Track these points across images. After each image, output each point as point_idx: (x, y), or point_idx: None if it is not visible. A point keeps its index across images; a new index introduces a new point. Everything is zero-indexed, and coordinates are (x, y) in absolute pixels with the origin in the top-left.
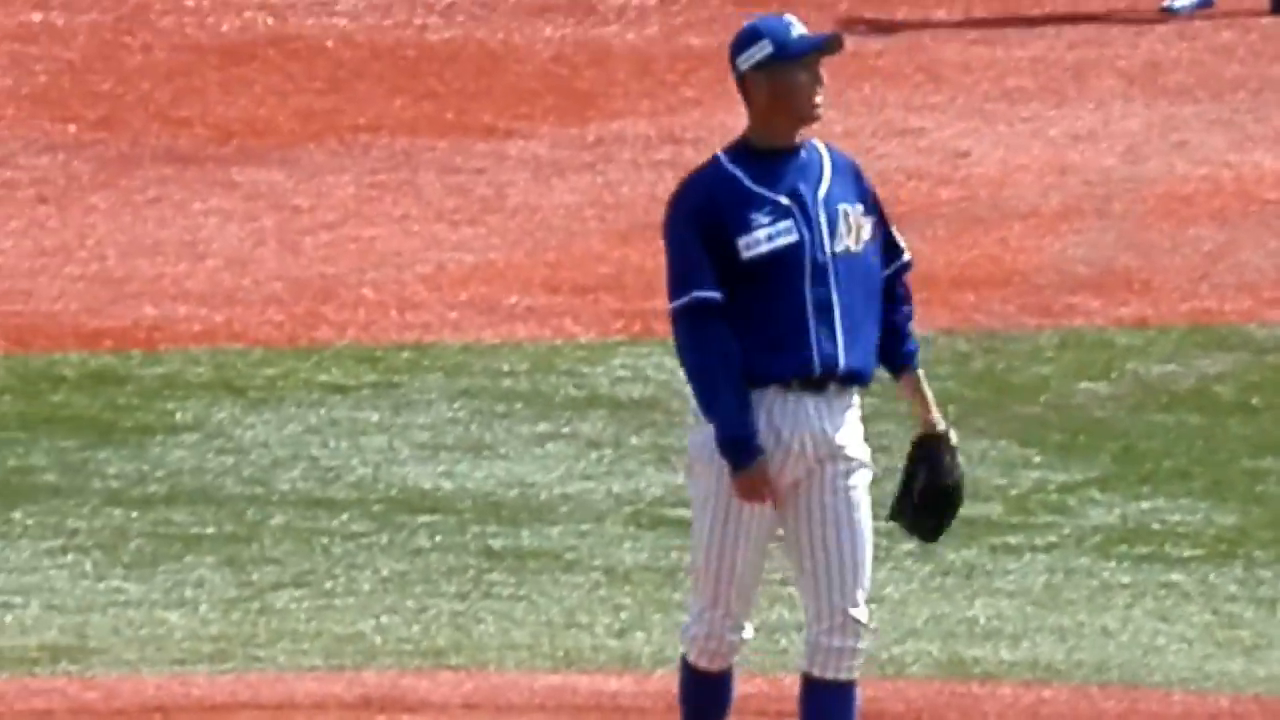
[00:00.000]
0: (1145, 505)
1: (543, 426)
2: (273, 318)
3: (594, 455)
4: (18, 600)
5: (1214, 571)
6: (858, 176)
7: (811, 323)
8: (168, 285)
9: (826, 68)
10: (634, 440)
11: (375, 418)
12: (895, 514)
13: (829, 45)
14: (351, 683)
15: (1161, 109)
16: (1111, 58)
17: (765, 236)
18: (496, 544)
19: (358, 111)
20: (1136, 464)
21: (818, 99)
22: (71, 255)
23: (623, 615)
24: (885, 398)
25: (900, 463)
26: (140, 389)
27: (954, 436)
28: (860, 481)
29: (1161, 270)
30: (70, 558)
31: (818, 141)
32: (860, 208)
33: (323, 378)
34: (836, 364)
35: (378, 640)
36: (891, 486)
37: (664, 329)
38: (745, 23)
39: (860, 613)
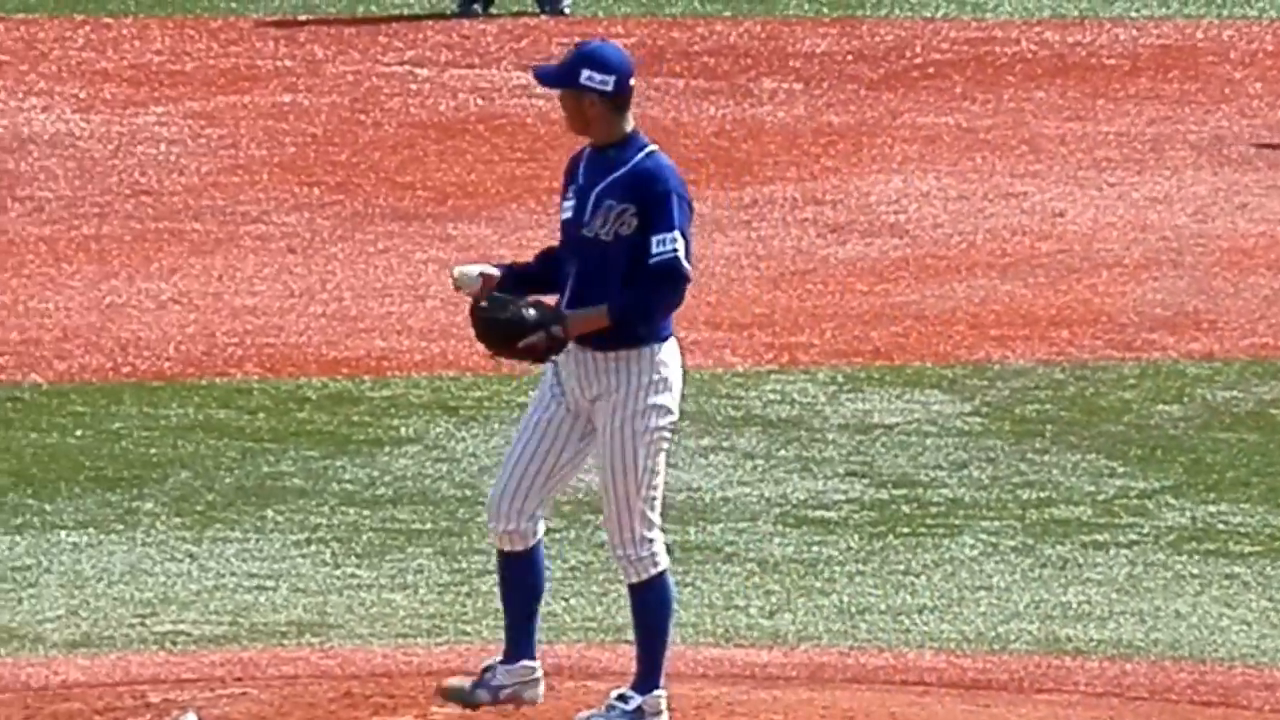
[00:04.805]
0: (1211, 509)
1: (706, 440)
2: (480, 350)
3: (748, 465)
4: (270, 584)
5: (1270, 565)
6: (644, 184)
7: (567, 289)
8: (394, 322)
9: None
10: (782, 453)
11: None
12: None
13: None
14: (545, 654)
15: (1226, 176)
16: (1184, 133)
17: (564, 208)
18: (667, 539)
19: (552, 177)
20: (1204, 474)
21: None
22: (314, 297)
23: (772, 599)
24: (996, 418)
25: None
26: (371, 408)
27: (532, 312)
28: (626, 426)
29: (1225, 312)
30: (313, 548)
31: (648, 149)
32: (630, 208)
33: (521, 399)
34: None
35: (567, 618)
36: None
37: (807, 359)
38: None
39: (626, 532)
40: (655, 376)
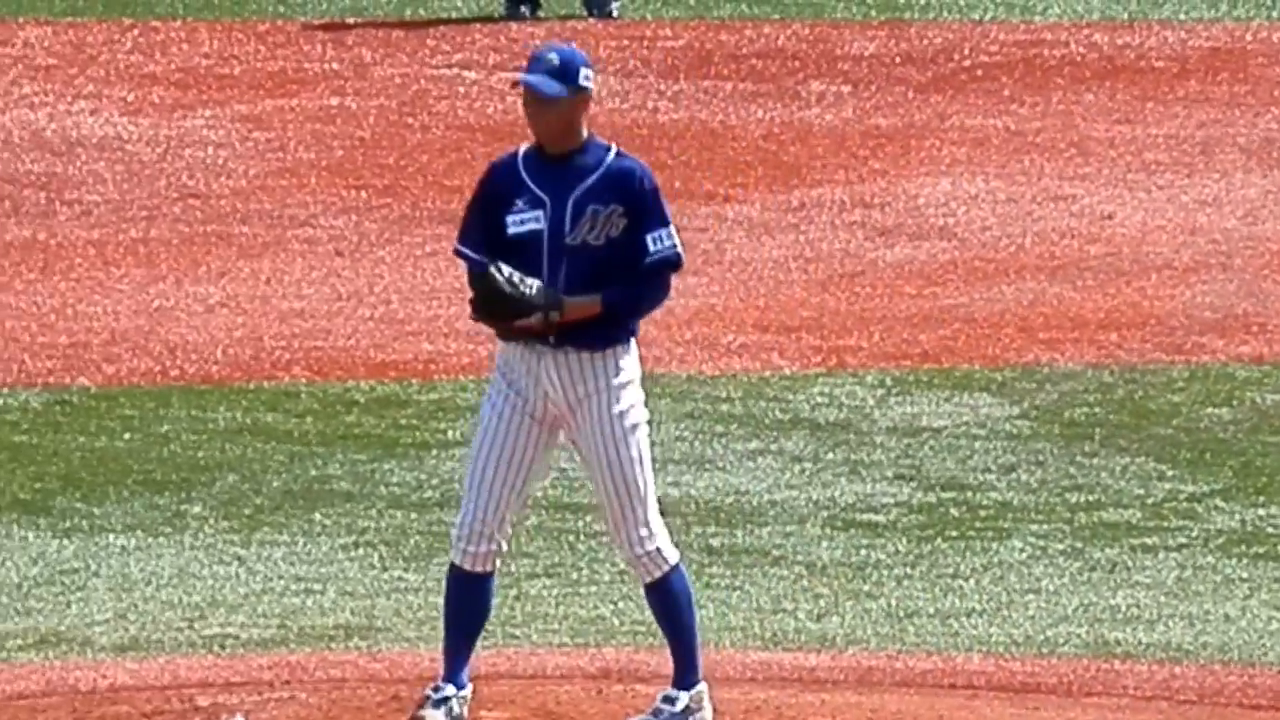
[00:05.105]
0: (1261, 512)
1: (754, 444)
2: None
3: (796, 468)
4: (317, 587)
5: None
6: (628, 183)
7: None
8: (441, 325)
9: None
10: (830, 456)
11: None
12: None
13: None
14: (594, 657)
15: (1276, 178)
16: (1234, 135)
17: (517, 221)
18: (715, 542)
19: None
20: (1254, 477)
21: (540, 124)
22: (362, 300)
23: (820, 603)
24: (1040, 420)
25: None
26: (418, 411)
27: (532, 288)
28: (623, 420)
29: (1275, 315)
30: (360, 552)
31: (612, 148)
32: (617, 209)
33: None
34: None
35: (615, 622)
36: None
37: (855, 362)
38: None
39: (635, 530)
40: (635, 373)
